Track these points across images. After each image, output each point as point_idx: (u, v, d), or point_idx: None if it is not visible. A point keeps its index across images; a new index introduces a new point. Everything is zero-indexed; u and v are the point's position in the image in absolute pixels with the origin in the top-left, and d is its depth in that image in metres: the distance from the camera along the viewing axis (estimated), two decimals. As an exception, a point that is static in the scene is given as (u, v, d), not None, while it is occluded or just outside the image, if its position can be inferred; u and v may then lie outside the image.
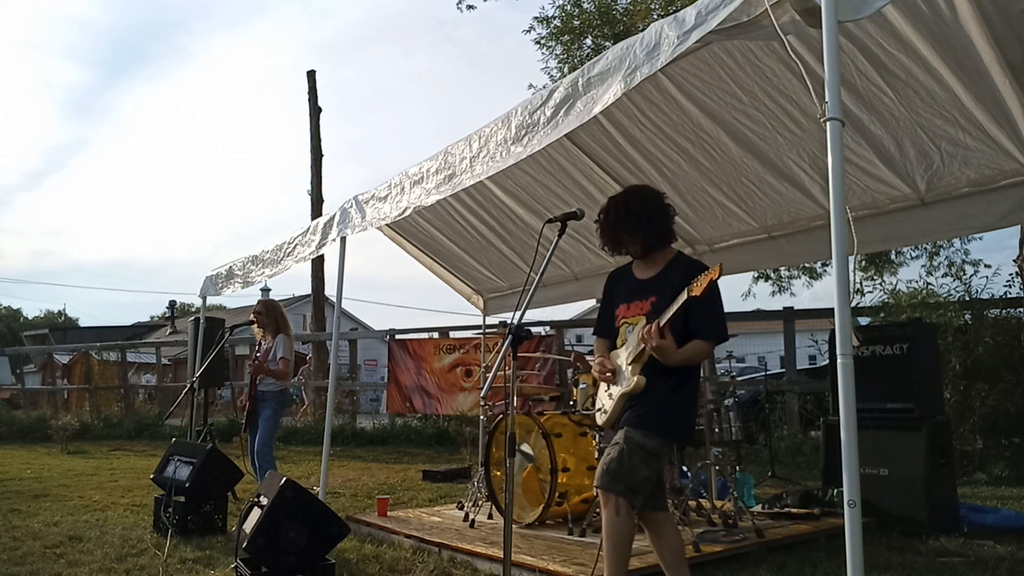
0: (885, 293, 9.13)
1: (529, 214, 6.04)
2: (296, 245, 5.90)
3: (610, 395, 3.20)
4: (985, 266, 11.06)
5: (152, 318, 54.08)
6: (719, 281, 2.97)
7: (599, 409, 3.29)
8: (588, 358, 5.43)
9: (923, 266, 12.21)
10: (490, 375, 3.19)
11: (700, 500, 5.06)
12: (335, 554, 4.12)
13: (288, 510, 3.75)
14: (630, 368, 3.10)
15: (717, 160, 4.83)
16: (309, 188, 17.11)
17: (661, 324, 2.96)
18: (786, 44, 2.65)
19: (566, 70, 12.32)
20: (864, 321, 8.74)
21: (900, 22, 3.43)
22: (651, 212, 3.18)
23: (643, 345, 3.01)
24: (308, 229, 5.77)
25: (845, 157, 3.50)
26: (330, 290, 16.06)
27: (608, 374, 3.22)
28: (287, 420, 14.28)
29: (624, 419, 3.09)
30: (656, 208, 3.20)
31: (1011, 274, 8.17)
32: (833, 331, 4.44)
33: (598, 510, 3.70)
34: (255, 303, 6.16)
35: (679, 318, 2.99)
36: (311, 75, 17.67)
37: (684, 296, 2.92)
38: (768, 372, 8.84)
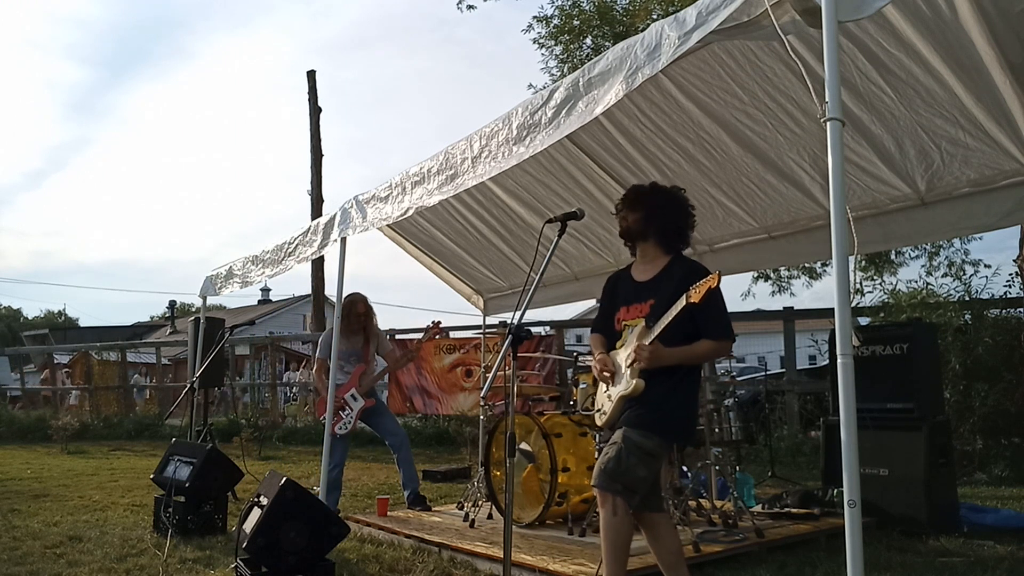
0: (885, 293, 9.14)
1: (530, 213, 6.04)
2: (297, 245, 5.89)
3: (609, 396, 3.21)
4: (985, 266, 11.10)
5: (152, 318, 54.14)
6: (722, 283, 2.99)
7: (598, 410, 3.30)
8: (586, 358, 5.45)
9: (923, 266, 12.23)
10: (490, 375, 3.19)
11: (700, 500, 5.06)
12: (335, 554, 4.12)
13: (288, 510, 3.76)
14: (629, 371, 3.11)
15: (717, 160, 4.83)
16: (309, 188, 17.16)
17: (651, 339, 3.01)
18: (786, 44, 2.65)
19: (566, 70, 12.32)
20: (864, 321, 8.74)
21: (900, 22, 3.43)
22: (680, 212, 3.28)
23: (636, 364, 3.04)
24: (309, 229, 5.76)
25: (845, 157, 3.49)
26: (330, 290, 16.06)
27: (607, 373, 3.23)
28: (288, 420, 14.31)
29: (622, 419, 3.09)
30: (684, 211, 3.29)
31: (1011, 274, 8.17)
32: (833, 331, 4.44)
33: (597, 510, 3.70)
34: (354, 298, 5.89)
35: (682, 319, 3.00)
36: (311, 75, 17.70)
37: (682, 303, 2.94)
38: (768, 372, 8.85)
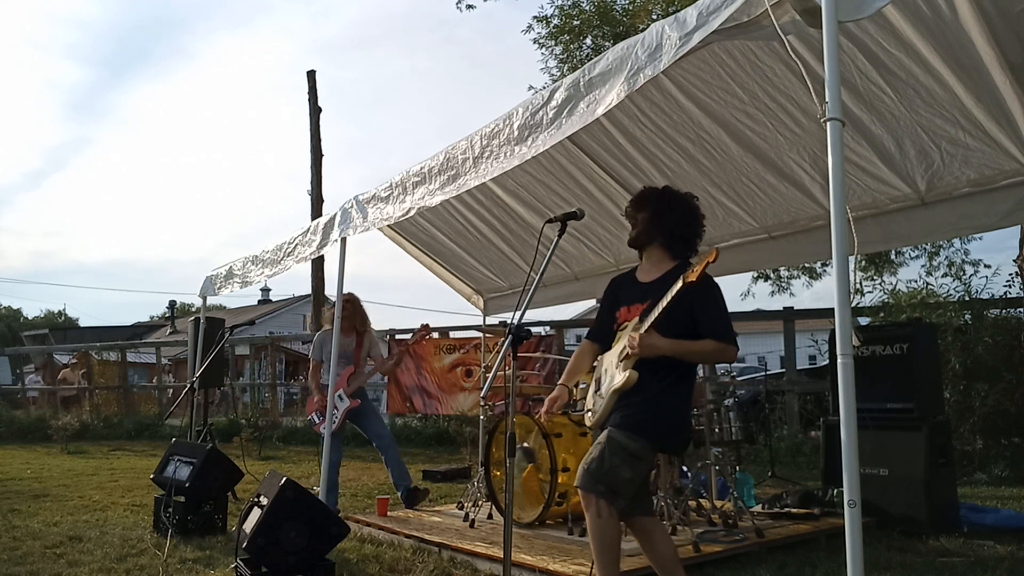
0: (885, 293, 9.14)
1: (530, 213, 6.04)
2: (296, 245, 5.90)
3: (600, 395, 3.17)
4: (985, 266, 11.10)
5: (152, 318, 54.08)
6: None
7: (587, 410, 3.25)
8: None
9: (923, 266, 12.24)
10: (490, 375, 3.19)
11: (700, 500, 5.06)
12: (335, 554, 4.12)
13: (288, 510, 3.76)
14: (621, 365, 3.06)
15: (717, 160, 4.83)
16: (309, 188, 17.17)
17: (645, 328, 2.97)
18: (786, 44, 2.65)
19: (566, 70, 12.32)
20: (864, 321, 8.74)
21: (900, 22, 3.43)
22: (689, 218, 3.23)
23: (628, 350, 3.01)
24: (309, 229, 5.77)
25: (845, 157, 3.49)
26: (330, 290, 16.06)
27: (552, 409, 3.26)
28: (288, 420, 14.31)
29: (610, 420, 3.05)
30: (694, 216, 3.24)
31: (1011, 274, 8.17)
32: (833, 331, 4.44)
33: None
34: (343, 296, 5.62)
35: (683, 320, 2.99)
36: (311, 75, 17.71)
37: (679, 285, 2.89)
38: (768, 372, 8.85)
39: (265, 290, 41.10)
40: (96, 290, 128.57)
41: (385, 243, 9.81)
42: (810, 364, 11.93)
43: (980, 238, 11.96)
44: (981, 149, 3.96)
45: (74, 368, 18.37)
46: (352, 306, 5.98)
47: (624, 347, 3.05)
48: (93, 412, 15.69)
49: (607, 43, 11.78)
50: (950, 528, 4.80)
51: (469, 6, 13.16)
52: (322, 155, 17.26)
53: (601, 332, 3.33)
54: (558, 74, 12.74)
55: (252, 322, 14.99)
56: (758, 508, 5.26)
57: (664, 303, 2.93)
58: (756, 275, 13.93)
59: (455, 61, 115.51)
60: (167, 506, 5.16)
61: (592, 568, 3.50)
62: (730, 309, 3.15)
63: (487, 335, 8.53)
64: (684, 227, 3.19)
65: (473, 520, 5.13)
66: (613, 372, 3.12)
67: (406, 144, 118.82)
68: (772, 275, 13.77)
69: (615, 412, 3.05)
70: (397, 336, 12.26)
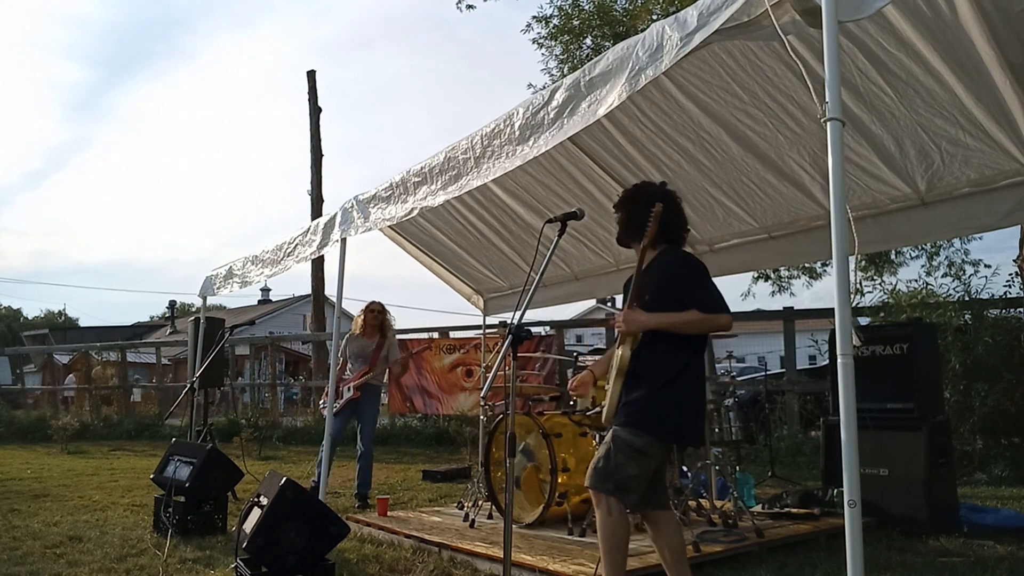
0: (885, 293, 9.12)
1: (530, 213, 6.04)
2: (296, 245, 5.90)
3: (606, 389, 3.21)
4: (985, 266, 11.09)
5: (152, 318, 54.04)
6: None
7: (604, 404, 3.29)
8: (586, 358, 5.46)
9: (923, 266, 12.23)
10: (490, 375, 3.19)
11: (700, 500, 5.06)
12: (335, 554, 4.12)
13: (288, 510, 3.76)
14: (620, 350, 3.11)
15: (718, 160, 4.83)
16: (309, 188, 17.18)
17: (627, 305, 3.07)
18: (786, 44, 2.65)
19: (566, 70, 12.31)
20: (864, 321, 8.73)
21: (900, 22, 3.43)
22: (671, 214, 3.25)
23: (617, 330, 3.08)
24: (309, 229, 5.77)
25: (845, 157, 3.50)
26: (330, 290, 16.06)
27: (580, 387, 3.34)
28: (288, 420, 14.32)
29: (615, 419, 3.08)
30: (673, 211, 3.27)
31: (1011, 274, 8.16)
32: (833, 331, 4.43)
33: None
34: (370, 303, 6.80)
35: (673, 307, 3.02)
36: (311, 75, 17.72)
37: (642, 244, 3.06)
38: (768, 372, 8.84)
39: (265, 290, 41.10)
40: (96, 290, 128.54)
41: (385, 243, 9.82)
42: (810, 364, 11.92)
43: (980, 238, 11.98)
44: (981, 149, 3.96)
45: (106, 366, 18.39)
46: (381, 315, 6.75)
47: (618, 337, 3.12)
48: (93, 412, 15.69)
49: (607, 43, 11.77)
50: (950, 528, 4.80)
51: (469, 6, 13.16)
52: (322, 155, 17.28)
53: None
54: (558, 74, 12.72)
55: (252, 322, 14.94)
56: (758, 508, 5.25)
57: (635, 275, 3.05)
58: (756, 275, 13.94)
59: (455, 61, 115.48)
60: (167, 506, 5.16)
61: (597, 568, 3.49)
62: (731, 309, 3.14)
63: (487, 335, 8.53)
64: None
65: (473, 520, 5.13)
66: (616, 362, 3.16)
67: (406, 144, 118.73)
68: (772, 275, 13.77)
69: (620, 410, 3.08)
70: (397, 336, 12.24)
